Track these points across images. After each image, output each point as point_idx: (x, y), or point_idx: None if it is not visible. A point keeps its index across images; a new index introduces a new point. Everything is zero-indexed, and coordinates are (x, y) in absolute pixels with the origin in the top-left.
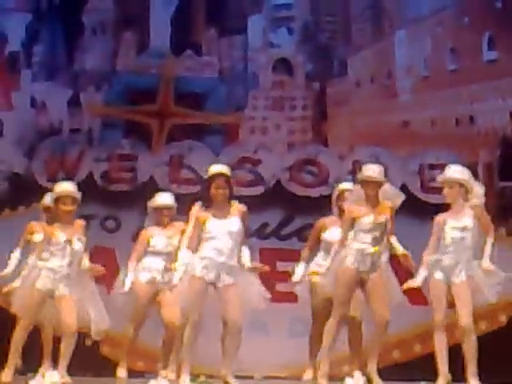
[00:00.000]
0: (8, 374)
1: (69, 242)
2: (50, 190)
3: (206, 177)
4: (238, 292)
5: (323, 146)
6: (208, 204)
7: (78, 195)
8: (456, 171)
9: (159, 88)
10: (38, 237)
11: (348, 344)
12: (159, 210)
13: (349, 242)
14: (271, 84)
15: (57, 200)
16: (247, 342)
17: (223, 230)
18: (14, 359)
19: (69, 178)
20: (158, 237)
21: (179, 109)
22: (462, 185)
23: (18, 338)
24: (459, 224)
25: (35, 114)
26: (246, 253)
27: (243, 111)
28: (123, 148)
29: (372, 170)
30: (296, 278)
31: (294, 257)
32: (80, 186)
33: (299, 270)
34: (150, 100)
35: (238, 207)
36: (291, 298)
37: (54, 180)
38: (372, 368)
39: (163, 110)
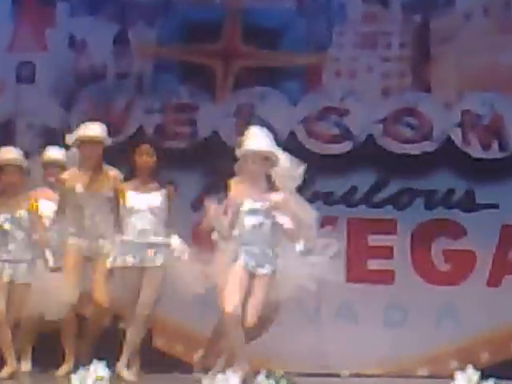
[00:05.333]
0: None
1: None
2: None
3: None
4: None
5: (425, 91)
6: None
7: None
8: None
9: (224, 22)
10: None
11: None
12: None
13: None
14: (361, 17)
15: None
16: (332, 333)
17: None
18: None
19: (115, 132)
20: None
21: (248, 48)
22: None
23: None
24: None
25: (74, 55)
26: None
27: (327, 50)
28: (180, 96)
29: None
30: None
31: (388, 228)
32: (128, 143)
33: None
34: (212, 37)
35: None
36: (386, 278)
37: None
38: None
39: (229, 50)
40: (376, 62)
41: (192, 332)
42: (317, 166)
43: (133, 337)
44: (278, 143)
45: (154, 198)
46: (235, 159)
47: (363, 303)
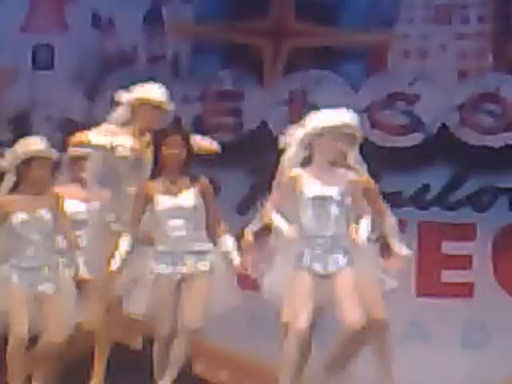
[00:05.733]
0: None
1: None
2: None
3: None
4: None
5: (508, 73)
6: None
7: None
8: None
9: None
10: None
11: None
12: None
13: None
14: None
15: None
16: (402, 354)
17: None
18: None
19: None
20: None
21: (302, 25)
22: None
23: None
24: None
25: (98, 36)
26: None
27: (393, 27)
28: (223, 82)
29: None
30: None
31: (466, 234)
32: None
33: None
34: (260, 13)
35: None
36: (464, 291)
37: None
38: None
39: (279, 28)
40: (451, 40)
41: (237, 356)
42: (382, 162)
43: (177, 357)
44: None
45: (187, 199)
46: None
47: (437, 321)
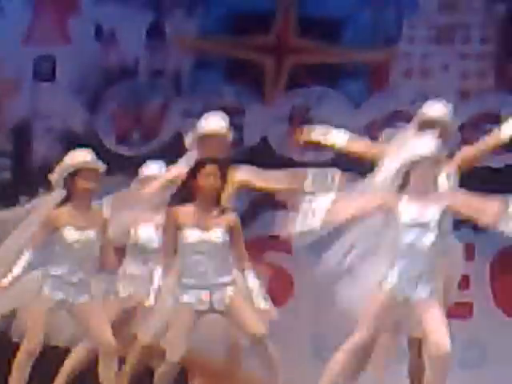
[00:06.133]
0: None
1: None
2: (120, 155)
3: None
4: None
5: (510, 94)
6: None
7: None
8: None
9: (276, 12)
10: None
11: None
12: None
13: None
14: (436, 6)
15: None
16: (400, 373)
17: None
18: None
19: (147, 138)
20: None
21: (304, 42)
22: None
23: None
24: None
25: (101, 49)
26: None
27: (396, 45)
28: (224, 97)
29: None
30: None
31: (465, 254)
32: (163, 150)
33: None
34: (262, 29)
35: None
36: (463, 311)
37: (125, 141)
38: None
39: (281, 44)
40: (453, 60)
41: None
42: None
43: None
44: (337, 152)
45: (216, 235)
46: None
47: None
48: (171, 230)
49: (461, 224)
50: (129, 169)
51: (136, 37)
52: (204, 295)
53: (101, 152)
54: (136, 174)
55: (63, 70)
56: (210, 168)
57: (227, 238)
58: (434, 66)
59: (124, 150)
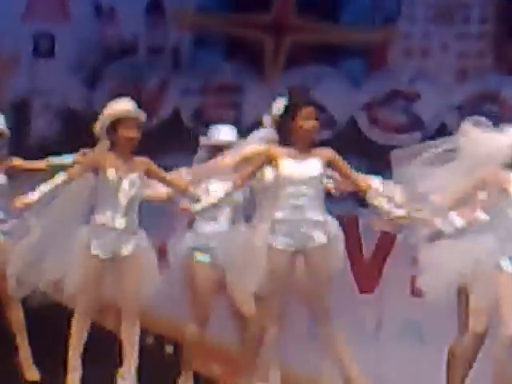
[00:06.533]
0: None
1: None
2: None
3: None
4: None
5: (509, 74)
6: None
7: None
8: None
9: None
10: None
11: None
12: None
13: None
14: None
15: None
16: (396, 352)
17: None
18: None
19: (146, 116)
20: None
21: (303, 20)
22: None
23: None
24: None
25: (99, 25)
26: None
27: (394, 25)
28: (223, 75)
29: None
30: None
31: None
32: (161, 128)
33: None
34: (262, 7)
35: None
36: None
37: None
38: None
39: (281, 22)
40: (452, 39)
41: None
42: (380, 160)
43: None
44: (336, 131)
45: (313, 167)
46: None
47: (430, 320)
48: (260, 159)
49: None
50: None
51: (135, 14)
52: (297, 233)
53: None
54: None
55: (62, 47)
56: (307, 110)
57: (323, 172)
58: (433, 46)
59: None
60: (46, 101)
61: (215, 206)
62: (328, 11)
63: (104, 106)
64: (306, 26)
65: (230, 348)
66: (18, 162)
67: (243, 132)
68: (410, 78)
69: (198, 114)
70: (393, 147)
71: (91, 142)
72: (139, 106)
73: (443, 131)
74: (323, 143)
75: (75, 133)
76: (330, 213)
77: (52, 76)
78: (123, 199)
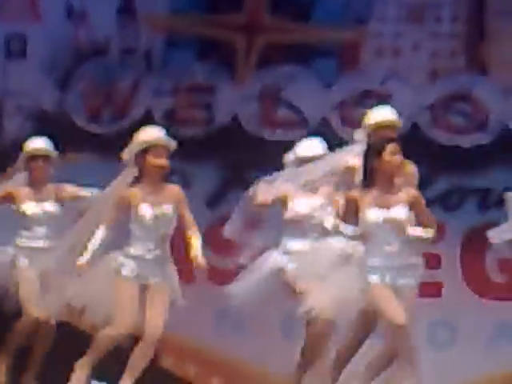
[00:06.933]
0: None
1: None
2: (91, 134)
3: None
4: None
5: (480, 74)
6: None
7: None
8: None
9: None
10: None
11: None
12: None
13: None
14: None
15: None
16: (364, 351)
17: None
18: None
19: (118, 116)
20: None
21: (275, 21)
22: None
23: None
24: None
25: (71, 26)
26: None
27: (366, 24)
28: (195, 76)
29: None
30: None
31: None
32: (133, 130)
33: None
34: (234, 7)
35: None
36: (432, 291)
37: (96, 120)
38: None
39: (253, 23)
40: (423, 39)
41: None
42: None
43: None
44: (308, 131)
45: (398, 212)
46: (257, 149)
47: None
48: (351, 207)
49: (430, 203)
50: (99, 147)
51: (107, 15)
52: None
53: (71, 130)
54: (106, 151)
55: (34, 48)
56: (393, 147)
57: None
58: (404, 46)
59: (95, 128)
60: (18, 102)
61: None
62: (300, 11)
63: (76, 107)
64: (278, 25)
65: (204, 349)
66: (69, 189)
67: (216, 132)
68: (381, 78)
69: (171, 115)
70: None
71: (64, 145)
72: (111, 108)
73: (415, 131)
74: (295, 141)
75: (47, 134)
76: None
77: (24, 77)
78: (157, 233)
